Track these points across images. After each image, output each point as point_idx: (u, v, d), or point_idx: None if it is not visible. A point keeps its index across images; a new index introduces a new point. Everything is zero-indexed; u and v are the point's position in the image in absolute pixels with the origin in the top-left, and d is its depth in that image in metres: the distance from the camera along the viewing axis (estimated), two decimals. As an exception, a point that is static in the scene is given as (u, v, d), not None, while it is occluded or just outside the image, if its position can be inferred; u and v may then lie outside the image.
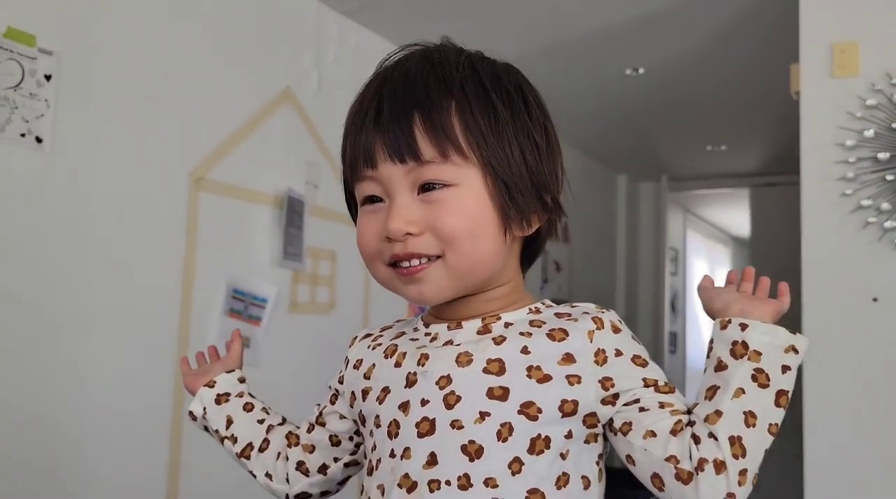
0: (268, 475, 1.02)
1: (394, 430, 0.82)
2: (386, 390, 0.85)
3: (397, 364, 0.86)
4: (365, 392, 0.88)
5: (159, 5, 2.22)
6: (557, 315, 0.83)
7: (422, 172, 0.79)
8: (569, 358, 0.79)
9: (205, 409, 1.07)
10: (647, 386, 0.80)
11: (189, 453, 2.22)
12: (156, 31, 2.21)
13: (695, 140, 4.68)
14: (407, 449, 0.80)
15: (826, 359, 2.15)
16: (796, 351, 0.79)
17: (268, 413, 1.08)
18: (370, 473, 0.85)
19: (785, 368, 0.78)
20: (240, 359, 1.15)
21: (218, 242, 2.36)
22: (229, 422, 1.05)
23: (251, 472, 1.03)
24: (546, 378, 0.78)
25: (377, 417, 0.85)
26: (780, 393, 0.78)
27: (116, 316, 2.06)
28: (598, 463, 0.83)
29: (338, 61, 2.86)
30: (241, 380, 1.12)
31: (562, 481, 0.78)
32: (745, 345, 0.78)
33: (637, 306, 5.61)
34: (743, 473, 0.75)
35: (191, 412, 1.09)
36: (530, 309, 0.85)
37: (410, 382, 0.83)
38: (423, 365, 0.83)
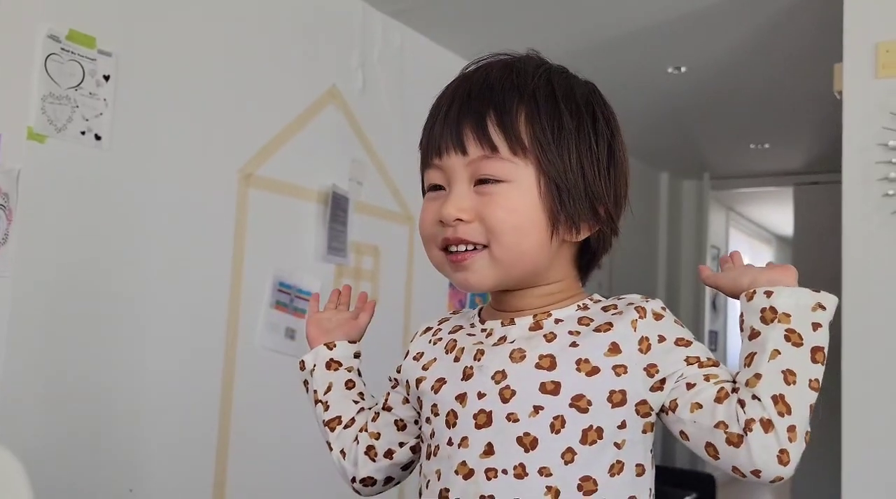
0: (342, 453, 1.06)
1: (451, 419, 0.88)
2: (441, 381, 0.91)
3: (456, 359, 0.91)
4: (419, 381, 0.94)
5: (211, 8, 2.30)
6: (604, 309, 0.88)
7: (480, 165, 0.86)
8: (615, 349, 0.83)
9: (314, 366, 1.11)
10: (689, 364, 0.84)
11: (236, 435, 2.31)
12: (208, 32, 2.29)
13: (738, 138, 4.64)
14: (465, 438, 0.86)
15: (868, 359, 2.15)
16: (823, 308, 0.82)
17: (363, 398, 1.11)
18: (428, 457, 0.92)
19: (816, 326, 0.81)
20: (363, 331, 1.17)
21: (265, 237, 2.44)
22: (328, 388, 1.09)
23: (329, 443, 1.08)
24: (594, 371, 0.83)
25: (434, 405, 0.91)
26: (815, 349, 0.80)
27: (169, 306, 2.15)
28: (651, 451, 0.87)
29: (382, 61, 2.92)
30: (357, 355, 1.14)
31: (615, 468, 0.83)
32: (773, 310, 0.81)
33: (678, 304, 5.59)
34: (791, 429, 0.77)
35: (302, 362, 1.13)
36: (579, 306, 0.90)
37: (467, 375, 0.88)
38: (478, 360, 0.88)
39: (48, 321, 1.89)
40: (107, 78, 2.01)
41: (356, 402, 1.09)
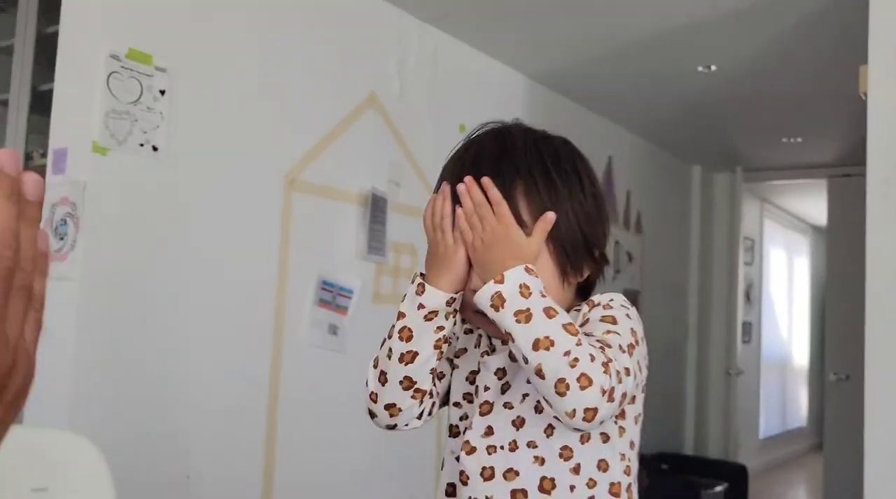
0: (382, 377, 1.06)
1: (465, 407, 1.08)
2: (474, 373, 1.07)
3: (474, 354, 1.09)
4: (453, 366, 1.11)
5: (255, 23, 2.43)
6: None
7: None
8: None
9: (422, 306, 1.02)
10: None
11: (283, 425, 2.45)
12: (252, 46, 2.42)
13: (769, 132, 4.68)
14: (471, 422, 1.04)
15: (891, 351, 2.22)
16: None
17: (439, 348, 1.05)
18: (456, 436, 1.07)
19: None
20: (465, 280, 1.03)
21: (309, 238, 2.57)
22: (414, 331, 1.03)
23: (379, 366, 1.06)
24: None
25: (468, 394, 1.08)
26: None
27: (220, 304, 2.29)
28: (615, 421, 1.00)
29: (418, 66, 3.03)
30: (454, 313, 1.05)
31: (584, 437, 0.99)
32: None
33: (710, 296, 5.64)
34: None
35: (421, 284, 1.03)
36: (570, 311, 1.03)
37: (478, 369, 1.07)
38: (485, 357, 1.06)
39: (111, 320, 2.05)
40: (162, 92, 2.15)
41: (436, 346, 1.04)
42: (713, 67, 3.48)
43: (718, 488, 4.52)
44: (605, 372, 0.88)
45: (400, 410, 1.05)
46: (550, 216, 0.99)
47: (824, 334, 5.66)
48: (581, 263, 1.04)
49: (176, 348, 2.18)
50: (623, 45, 3.26)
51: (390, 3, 2.89)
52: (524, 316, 0.91)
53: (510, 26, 3.09)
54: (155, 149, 2.13)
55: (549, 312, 0.91)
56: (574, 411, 0.87)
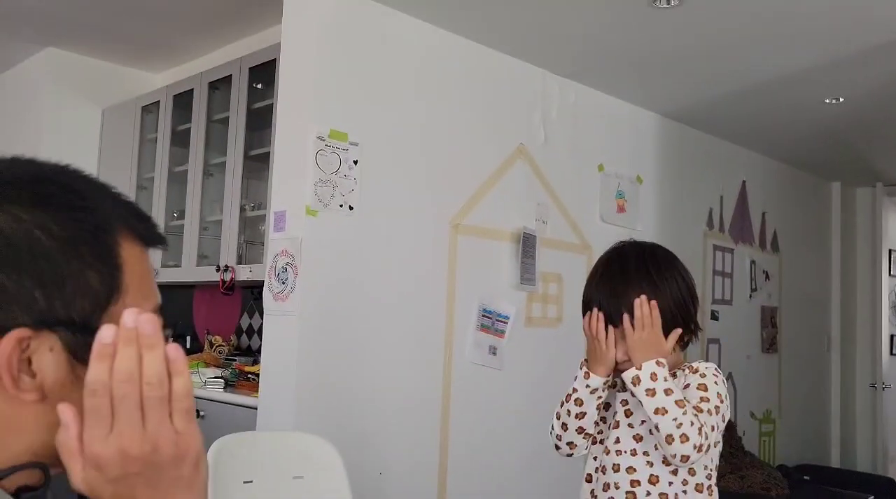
0: (564, 426, 1.65)
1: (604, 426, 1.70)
2: (607, 404, 1.68)
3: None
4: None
5: (423, 96, 2.92)
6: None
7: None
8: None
9: (588, 385, 1.61)
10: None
11: (454, 429, 2.92)
12: (420, 115, 2.91)
13: (909, 149, 4.73)
14: (607, 434, 1.67)
15: None
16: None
17: (599, 409, 1.65)
18: (594, 443, 1.65)
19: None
20: (613, 369, 1.62)
21: (471, 273, 3.03)
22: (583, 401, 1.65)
23: (561, 419, 1.64)
24: None
25: (603, 417, 1.69)
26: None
27: (402, 331, 2.79)
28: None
29: (560, 116, 3.44)
30: (603, 387, 1.63)
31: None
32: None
33: (854, 309, 5.68)
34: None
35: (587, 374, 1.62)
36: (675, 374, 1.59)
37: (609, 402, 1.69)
38: (616, 392, 1.68)
39: (323, 345, 2.58)
40: (356, 162, 2.67)
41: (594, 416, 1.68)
42: (841, 99, 3.68)
43: (863, 500, 4.59)
44: (699, 433, 1.43)
45: (576, 445, 1.65)
46: (676, 332, 1.55)
47: (978, 347, 5.56)
48: (683, 334, 1.59)
49: (371, 368, 2.70)
50: (752, 83, 3.52)
51: (534, 65, 3.32)
52: (650, 392, 1.48)
53: (642, 73, 3.44)
54: (351, 208, 2.66)
55: (667, 392, 1.46)
56: (675, 455, 1.44)
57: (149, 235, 0.68)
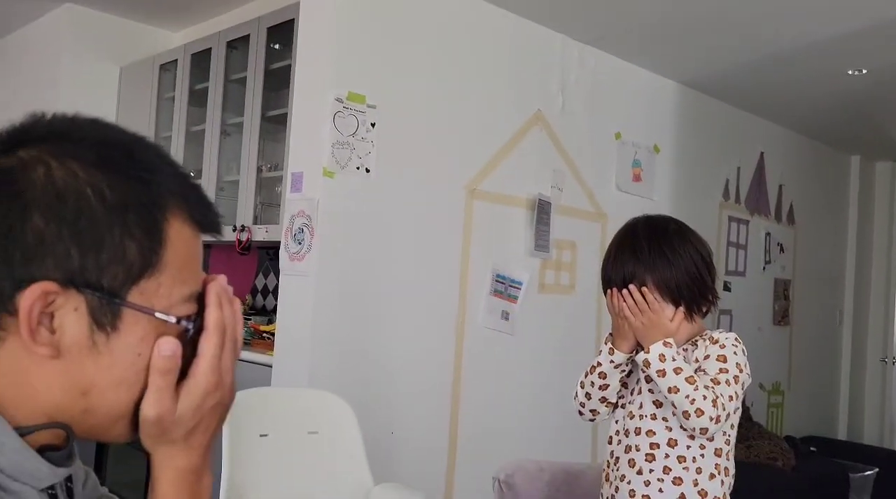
0: (588, 395, 1.72)
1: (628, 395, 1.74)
2: (630, 373, 1.72)
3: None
4: None
5: (440, 61, 2.91)
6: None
7: None
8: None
9: (612, 361, 1.67)
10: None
11: (465, 391, 2.96)
12: (440, 79, 2.90)
13: (931, 123, 4.68)
14: (631, 399, 1.71)
15: None
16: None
17: (622, 382, 1.71)
18: (616, 407, 1.70)
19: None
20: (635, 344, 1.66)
21: (486, 239, 3.05)
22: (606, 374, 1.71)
23: (585, 388, 1.71)
24: None
25: (625, 383, 1.73)
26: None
27: (416, 294, 2.81)
28: None
29: (578, 83, 3.42)
30: (626, 362, 1.69)
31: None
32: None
33: (868, 284, 5.66)
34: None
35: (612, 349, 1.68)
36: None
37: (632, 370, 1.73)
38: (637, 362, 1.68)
39: (337, 306, 2.61)
40: (373, 125, 2.67)
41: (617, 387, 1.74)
42: (864, 70, 3.64)
43: (868, 473, 4.63)
44: (713, 406, 1.48)
45: (598, 412, 1.74)
46: (680, 311, 1.60)
47: None
48: (700, 304, 1.63)
49: (385, 330, 2.73)
50: (774, 52, 3.48)
51: (553, 30, 3.29)
52: (661, 373, 1.54)
53: (662, 41, 3.41)
54: (367, 171, 2.66)
55: (676, 371, 1.52)
56: (693, 428, 1.51)
57: (205, 221, 0.67)
